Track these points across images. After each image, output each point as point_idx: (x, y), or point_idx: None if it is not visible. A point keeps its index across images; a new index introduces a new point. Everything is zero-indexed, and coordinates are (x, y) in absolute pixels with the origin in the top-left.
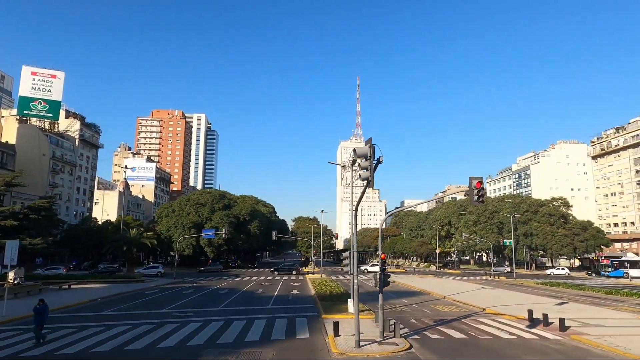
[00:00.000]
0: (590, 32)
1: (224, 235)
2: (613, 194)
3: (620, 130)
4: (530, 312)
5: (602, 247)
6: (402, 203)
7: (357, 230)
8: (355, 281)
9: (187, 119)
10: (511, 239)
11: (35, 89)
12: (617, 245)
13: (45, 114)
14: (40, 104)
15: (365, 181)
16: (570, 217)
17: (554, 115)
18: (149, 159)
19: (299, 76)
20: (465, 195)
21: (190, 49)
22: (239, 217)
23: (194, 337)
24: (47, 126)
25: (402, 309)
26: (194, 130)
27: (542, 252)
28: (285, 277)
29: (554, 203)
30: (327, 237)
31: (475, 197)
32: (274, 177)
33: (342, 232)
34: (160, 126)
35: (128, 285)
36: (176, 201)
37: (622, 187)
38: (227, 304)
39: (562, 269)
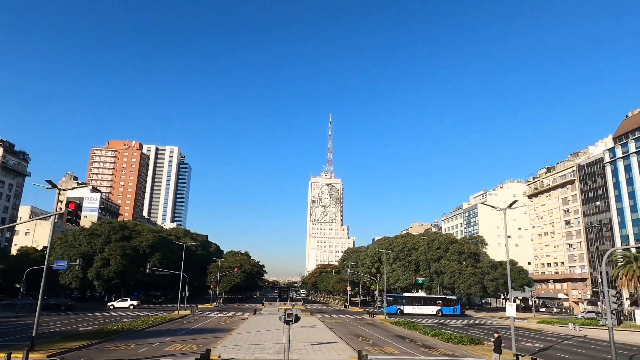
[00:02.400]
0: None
1: (77, 266)
2: (546, 234)
3: (550, 170)
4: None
5: (524, 287)
6: (374, 240)
7: (316, 266)
8: None
9: (160, 152)
10: (424, 277)
11: None
12: (551, 285)
13: None
14: None
15: None
16: (483, 256)
17: (509, 155)
18: (94, 189)
19: (272, 111)
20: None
21: (165, 83)
22: (138, 249)
23: None
24: None
25: (123, 349)
26: (166, 162)
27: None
28: (145, 313)
29: (470, 241)
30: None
31: (67, 217)
32: (246, 210)
33: (310, 268)
34: (115, 157)
35: None
36: (71, 231)
37: (553, 226)
38: None
39: None
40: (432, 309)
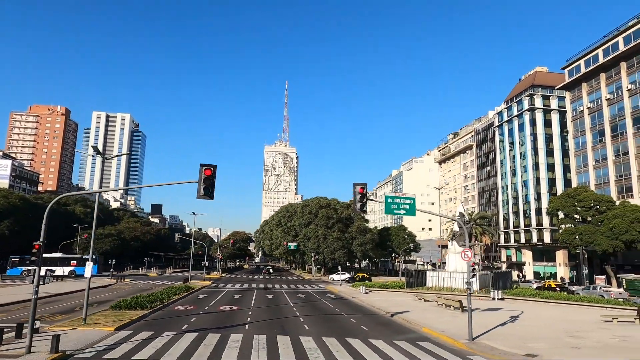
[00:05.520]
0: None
1: None
2: (450, 200)
3: (456, 136)
4: None
5: (412, 252)
6: None
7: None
8: None
9: (111, 119)
10: (297, 242)
11: None
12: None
13: None
14: None
15: None
16: (359, 221)
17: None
18: (5, 156)
19: (227, 77)
20: None
21: (119, 50)
22: None
23: None
24: None
25: None
26: (117, 130)
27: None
28: None
29: (349, 209)
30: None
31: None
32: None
33: None
34: (37, 122)
35: None
36: None
37: (455, 192)
38: None
39: None
40: (66, 270)
